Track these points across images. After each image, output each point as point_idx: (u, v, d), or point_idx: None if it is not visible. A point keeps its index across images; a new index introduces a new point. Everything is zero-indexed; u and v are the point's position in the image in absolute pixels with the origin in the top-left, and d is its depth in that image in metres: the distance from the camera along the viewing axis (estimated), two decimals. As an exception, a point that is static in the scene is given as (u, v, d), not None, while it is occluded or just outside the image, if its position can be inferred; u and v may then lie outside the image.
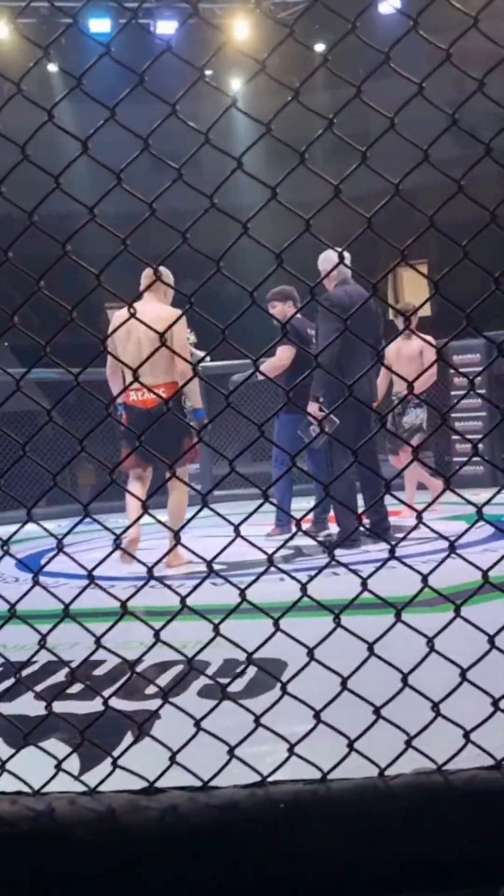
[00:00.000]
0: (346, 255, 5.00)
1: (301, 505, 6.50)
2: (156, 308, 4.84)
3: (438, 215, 1.34)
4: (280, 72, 1.36)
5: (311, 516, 6.27)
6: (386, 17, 13.64)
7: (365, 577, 1.37)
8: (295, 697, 1.42)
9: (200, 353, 5.95)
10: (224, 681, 2.47)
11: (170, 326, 1.50)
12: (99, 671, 2.93)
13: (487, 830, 1.28)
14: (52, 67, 10.92)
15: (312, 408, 5.40)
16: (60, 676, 2.86)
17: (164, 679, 2.78)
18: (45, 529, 1.46)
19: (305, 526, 6.21)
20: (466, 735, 1.40)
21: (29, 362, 1.48)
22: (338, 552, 5.18)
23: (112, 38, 1.31)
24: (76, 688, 2.47)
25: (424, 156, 1.30)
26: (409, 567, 1.42)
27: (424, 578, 1.38)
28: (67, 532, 1.44)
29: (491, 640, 1.39)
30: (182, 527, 1.47)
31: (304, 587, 1.36)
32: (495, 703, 1.41)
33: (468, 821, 1.31)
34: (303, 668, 1.40)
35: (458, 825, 1.31)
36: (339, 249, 1.30)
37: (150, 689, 2.67)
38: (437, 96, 1.33)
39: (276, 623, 1.37)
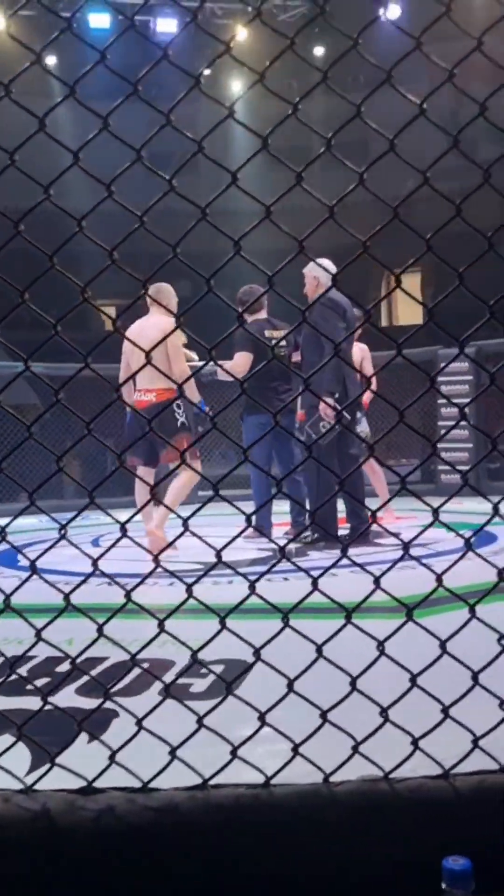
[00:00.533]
0: (331, 264, 4.98)
1: (284, 508, 6.44)
2: (157, 320, 5.21)
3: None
4: (278, 74, 1.33)
5: (288, 519, 6.22)
6: (384, 21, 13.65)
7: (315, 578, 1.33)
8: (241, 699, 1.38)
9: (191, 353, 5.90)
10: (185, 681, 2.43)
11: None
12: (61, 668, 2.87)
13: (431, 840, 1.25)
14: (50, 60, 10.88)
15: (326, 403, 5.21)
16: (23, 672, 2.80)
17: (131, 677, 2.73)
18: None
19: (285, 529, 6.16)
20: (415, 742, 1.36)
21: (18, 356, 1.44)
22: (318, 555, 5.15)
23: (108, 46, 1.27)
24: (39, 683, 2.42)
25: (390, 145, 1.27)
26: (363, 569, 1.39)
27: (377, 581, 1.34)
28: (7, 524, 1.39)
29: (442, 645, 1.35)
30: (138, 511, 1.44)
31: (252, 585, 1.32)
32: (445, 710, 1.37)
33: (412, 830, 1.27)
34: (248, 669, 1.37)
35: (402, 834, 1.27)
36: (300, 237, 1.26)
37: (115, 686, 2.62)
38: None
39: (222, 621, 1.33)
